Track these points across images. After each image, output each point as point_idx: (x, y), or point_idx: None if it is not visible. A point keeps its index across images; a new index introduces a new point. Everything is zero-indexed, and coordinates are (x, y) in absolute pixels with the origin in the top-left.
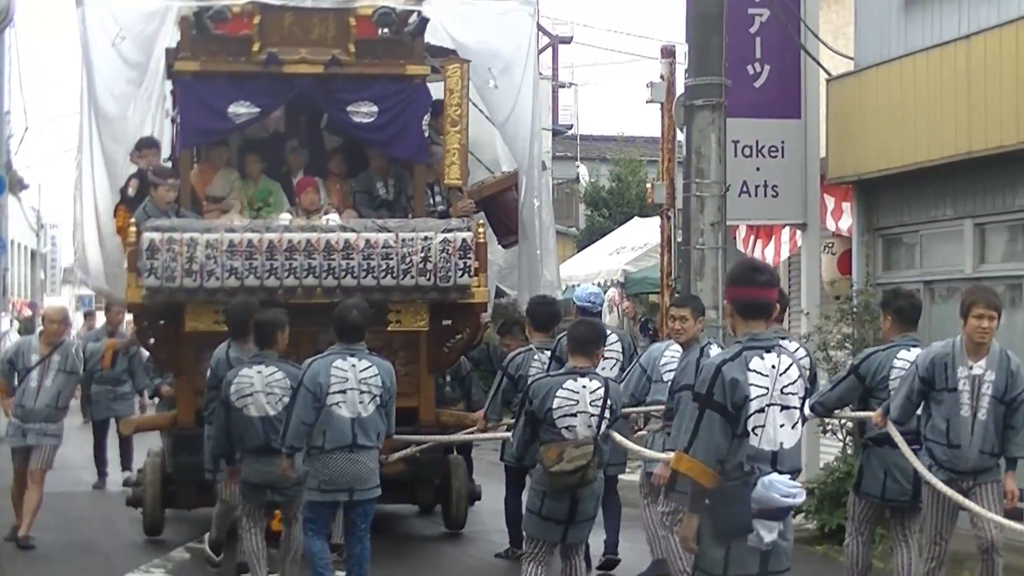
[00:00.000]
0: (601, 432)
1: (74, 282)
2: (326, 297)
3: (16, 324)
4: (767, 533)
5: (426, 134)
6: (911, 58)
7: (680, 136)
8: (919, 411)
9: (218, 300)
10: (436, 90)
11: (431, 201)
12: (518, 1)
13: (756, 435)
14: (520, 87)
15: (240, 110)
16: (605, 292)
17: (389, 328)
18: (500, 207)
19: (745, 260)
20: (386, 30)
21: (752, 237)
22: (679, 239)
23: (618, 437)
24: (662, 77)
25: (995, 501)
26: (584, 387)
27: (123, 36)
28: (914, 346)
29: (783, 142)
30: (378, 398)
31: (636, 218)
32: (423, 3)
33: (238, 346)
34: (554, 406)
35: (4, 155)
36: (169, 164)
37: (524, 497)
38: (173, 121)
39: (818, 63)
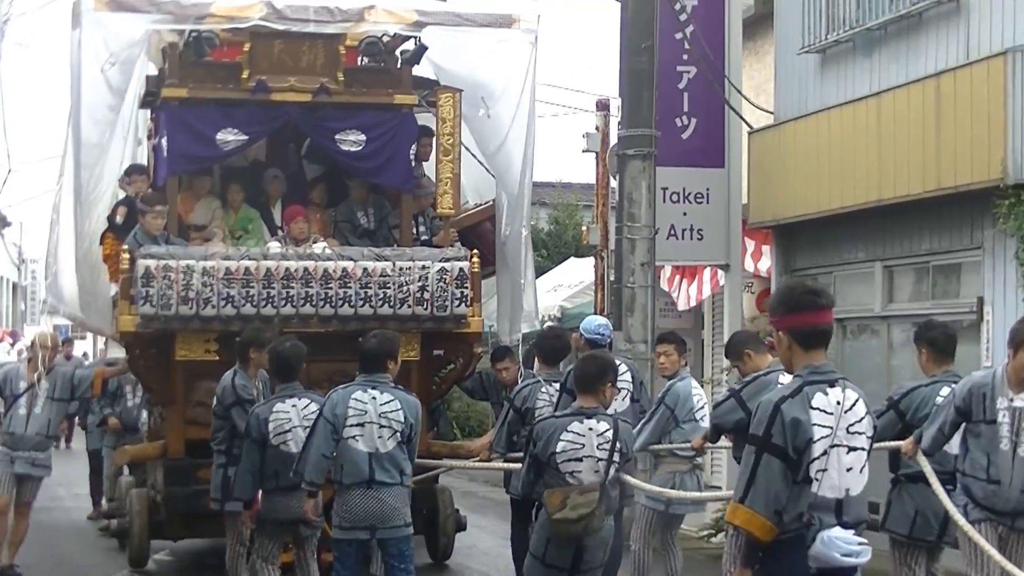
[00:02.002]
0: (609, 477)
1: (53, 312)
2: (322, 326)
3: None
4: None
5: (412, 163)
6: (826, 113)
7: (613, 183)
8: (955, 445)
9: (209, 329)
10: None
11: (416, 231)
12: (519, 29)
13: (818, 481)
14: (515, 116)
15: (228, 137)
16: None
17: None
18: (477, 238)
19: (796, 283)
20: (371, 60)
21: (677, 277)
22: (612, 278)
23: (630, 479)
24: (597, 128)
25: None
26: (591, 429)
27: (112, 62)
28: (955, 381)
29: (708, 189)
30: (399, 434)
31: (572, 258)
32: (422, 30)
33: (244, 373)
34: (558, 450)
35: None
36: (149, 191)
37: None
38: (154, 148)
39: (740, 117)
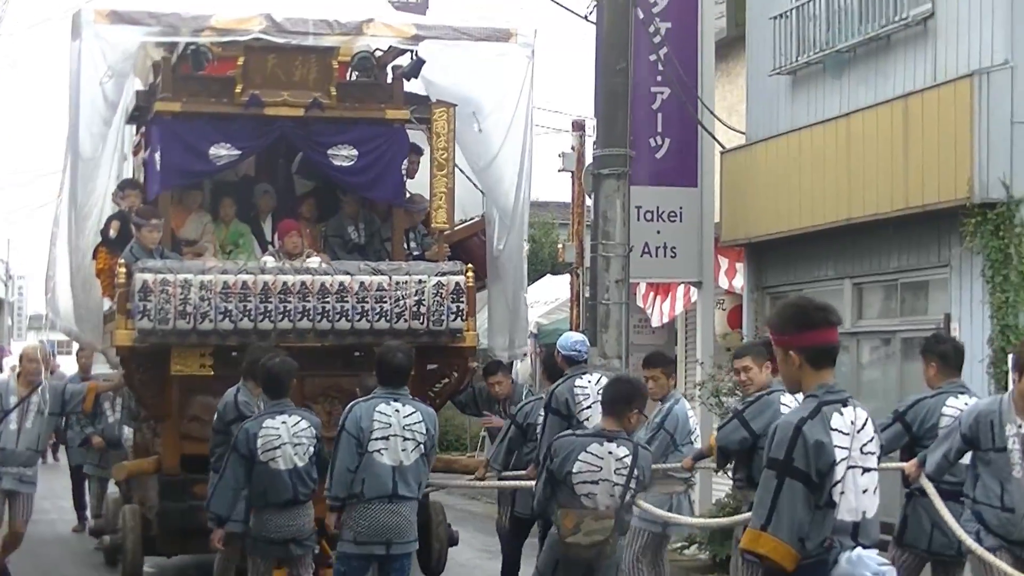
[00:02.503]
0: (625, 502)
1: (40, 328)
2: (319, 340)
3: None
4: None
5: (404, 178)
6: (796, 133)
7: (588, 202)
8: (964, 471)
9: (205, 344)
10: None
11: (407, 246)
12: (516, 43)
13: (837, 504)
14: (509, 130)
15: (221, 152)
16: None
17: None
18: (466, 252)
19: (802, 300)
20: (362, 75)
21: (652, 293)
22: (587, 295)
23: (645, 505)
24: (573, 148)
25: None
26: (610, 453)
27: (109, 75)
28: (962, 392)
29: (681, 208)
30: (422, 446)
31: (548, 275)
32: (419, 43)
33: (248, 389)
34: (575, 470)
35: None
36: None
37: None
38: (145, 163)
39: (713, 137)
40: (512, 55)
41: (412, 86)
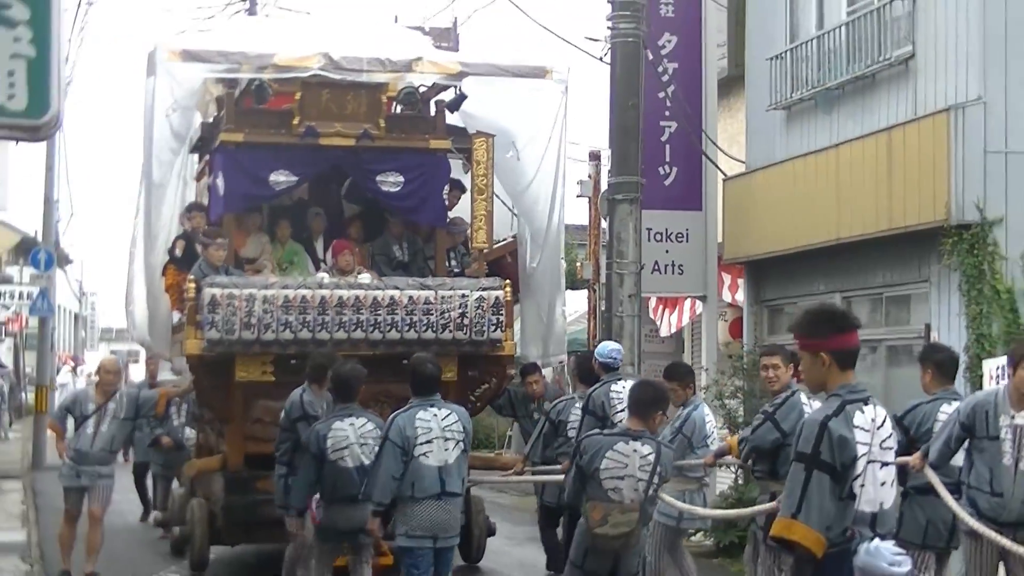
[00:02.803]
0: (648, 496)
1: (110, 339)
2: (371, 349)
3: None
4: None
5: (445, 202)
6: (791, 162)
7: (604, 224)
8: (961, 460)
9: (267, 352)
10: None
11: (448, 263)
12: (552, 79)
13: (857, 495)
14: (543, 159)
15: (280, 178)
16: None
17: None
18: (500, 269)
19: (828, 306)
20: (407, 108)
21: (661, 306)
22: (603, 308)
23: (667, 499)
24: (589, 176)
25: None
26: (635, 451)
27: (175, 108)
28: (955, 399)
29: (687, 229)
30: (461, 443)
31: (568, 290)
32: (462, 79)
33: (313, 391)
34: (602, 466)
35: (53, 236)
36: (207, 227)
37: (559, 532)
38: (209, 187)
39: (716, 165)
40: (547, 90)
41: (451, 118)
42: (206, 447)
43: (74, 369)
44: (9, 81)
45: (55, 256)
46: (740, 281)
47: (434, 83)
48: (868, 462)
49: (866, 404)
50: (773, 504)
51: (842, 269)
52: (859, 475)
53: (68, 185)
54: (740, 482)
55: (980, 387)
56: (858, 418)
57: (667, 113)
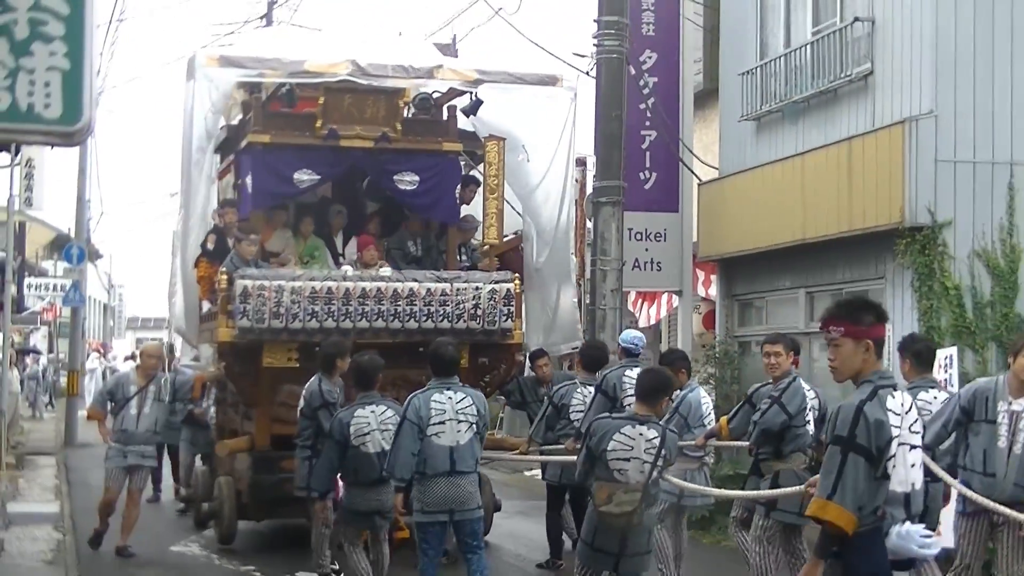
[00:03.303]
0: (652, 478)
1: (136, 328)
2: (391, 338)
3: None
4: None
5: (458, 201)
6: (760, 169)
7: (589, 225)
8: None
9: (293, 340)
10: None
11: (460, 258)
12: (562, 87)
13: (889, 477)
14: (552, 161)
15: (303, 177)
16: None
17: None
18: (505, 264)
19: (865, 297)
20: (422, 113)
21: (640, 300)
22: (588, 301)
23: (673, 479)
24: (576, 180)
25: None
26: (641, 435)
27: (212, 111)
28: (932, 387)
29: (665, 230)
30: (474, 426)
31: None
32: (479, 86)
33: (328, 380)
34: (609, 448)
35: (85, 233)
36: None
37: (565, 513)
38: (236, 186)
39: (692, 171)
40: (558, 97)
41: (463, 123)
42: (228, 428)
43: (103, 355)
44: (45, 91)
45: (86, 251)
46: (713, 277)
47: (449, 89)
48: (899, 444)
49: (895, 390)
50: (775, 492)
51: (806, 266)
52: (892, 456)
53: (99, 186)
54: (713, 461)
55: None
56: (890, 402)
57: (647, 123)
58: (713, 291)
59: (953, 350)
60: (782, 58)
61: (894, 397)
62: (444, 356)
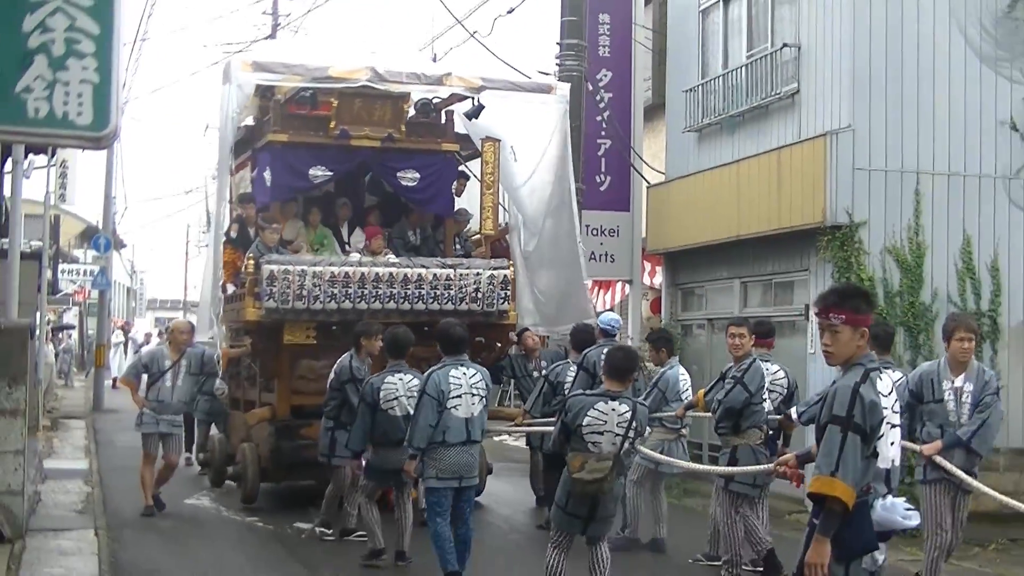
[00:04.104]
0: (624, 449)
1: (155, 308)
2: (400, 318)
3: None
4: (880, 554)
5: (454, 195)
6: (701, 174)
7: None
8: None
9: (311, 320)
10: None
11: (455, 247)
12: (555, 95)
13: (879, 454)
14: (541, 160)
15: (317, 172)
16: None
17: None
18: (495, 252)
19: (858, 285)
20: (422, 116)
21: (597, 288)
22: None
23: (644, 450)
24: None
25: (966, 509)
26: (613, 410)
27: (238, 111)
28: (888, 367)
29: (618, 226)
30: (484, 399)
31: None
32: (482, 92)
33: (358, 356)
34: (584, 423)
35: (111, 225)
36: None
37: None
38: (253, 181)
39: (642, 175)
40: (551, 104)
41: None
42: (242, 400)
43: (125, 332)
44: (78, 101)
45: (112, 241)
46: (659, 268)
47: (451, 95)
48: (886, 423)
49: (882, 372)
50: (748, 469)
51: (740, 260)
52: (882, 435)
53: (123, 184)
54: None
55: None
56: (880, 384)
57: (603, 133)
58: (659, 280)
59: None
60: (721, 78)
61: (881, 379)
62: (454, 335)
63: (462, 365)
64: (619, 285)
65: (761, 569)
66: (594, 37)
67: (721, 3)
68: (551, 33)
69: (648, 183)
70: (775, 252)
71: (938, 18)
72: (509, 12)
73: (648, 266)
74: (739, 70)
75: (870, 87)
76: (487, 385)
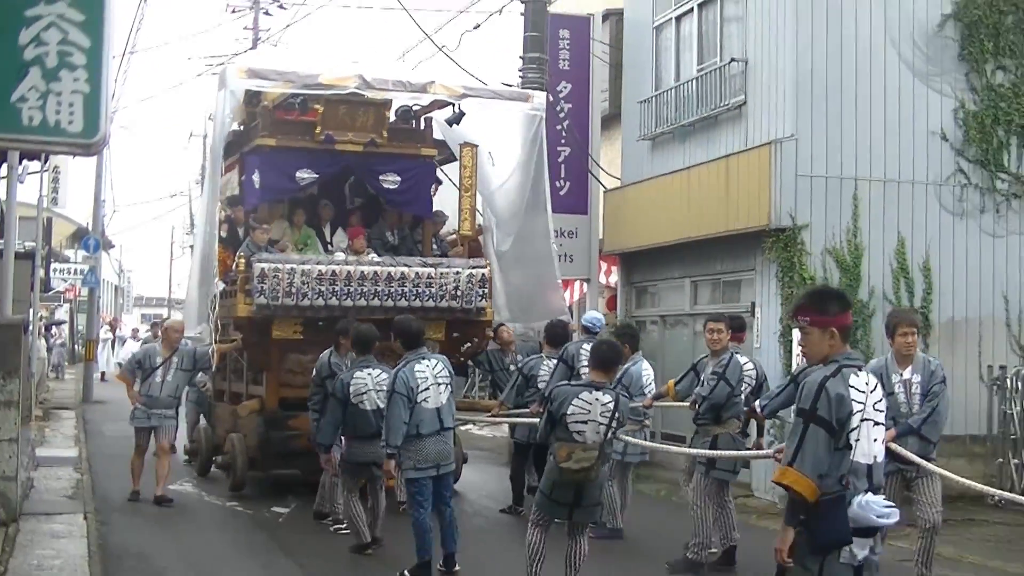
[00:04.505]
0: (607, 438)
1: (142, 305)
2: (384, 314)
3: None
4: (859, 550)
5: (432, 198)
6: (655, 180)
7: None
8: None
9: (299, 316)
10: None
11: (433, 247)
12: (532, 103)
13: (853, 448)
14: (517, 165)
15: (304, 175)
16: None
17: None
18: (470, 251)
19: (831, 288)
20: (403, 122)
21: None
22: None
23: (629, 439)
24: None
25: (934, 489)
26: (597, 399)
27: (230, 116)
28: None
29: (577, 228)
30: (449, 386)
31: None
32: (463, 99)
33: (337, 353)
34: (569, 412)
35: (100, 226)
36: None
37: (527, 467)
38: (242, 183)
39: (599, 181)
40: (528, 112)
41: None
42: (227, 392)
43: (113, 328)
44: (70, 111)
45: (101, 242)
46: (615, 268)
47: (432, 102)
48: (863, 419)
49: (860, 370)
50: (739, 454)
51: (691, 260)
52: (855, 429)
53: (112, 189)
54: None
55: (790, 349)
56: (853, 379)
57: (563, 140)
58: (615, 279)
59: None
60: (673, 90)
61: (858, 376)
62: (412, 330)
63: (424, 358)
64: (577, 284)
65: (717, 552)
66: (555, 51)
67: (673, 20)
68: (514, 47)
69: (605, 188)
70: (723, 253)
71: (875, 36)
72: (475, 28)
73: (604, 266)
74: (690, 83)
75: (812, 99)
76: (450, 372)
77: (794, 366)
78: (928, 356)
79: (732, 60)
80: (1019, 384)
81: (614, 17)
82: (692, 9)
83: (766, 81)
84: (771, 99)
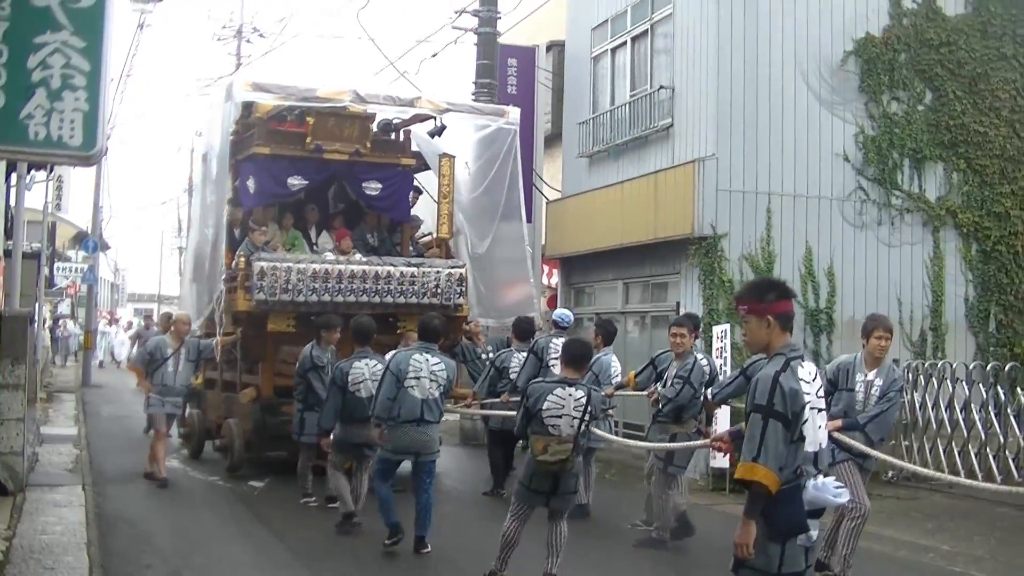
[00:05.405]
0: (581, 431)
1: (136, 301)
2: (371, 310)
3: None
4: (813, 531)
5: (410, 204)
6: (592, 192)
7: None
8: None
9: (293, 310)
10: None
11: (411, 249)
12: (507, 118)
13: (806, 440)
14: (492, 175)
15: (295, 181)
16: None
17: (398, 331)
18: (446, 252)
19: (770, 277)
20: (383, 134)
21: None
22: None
23: (598, 431)
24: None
25: (865, 479)
26: (570, 395)
27: (231, 126)
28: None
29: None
30: (443, 386)
31: None
32: (445, 113)
33: (319, 347)
34: (544, 407)
35: (98, 230)
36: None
37: (501, 452)
38: (236, 188)
39: (542, 193)
40: (501, 129)
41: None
42: (218, 381)
43: (110, 321)
44: (71, 126)
45: (99, 243)
46: (555, 271)
47: (412, 116)
48: (810, 408)
49: (804, 360)
50: (686, 445)
51: (624, 264)
52: (806, 420)
53: (109, 196)
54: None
55: (711, 344)
56: (800, 371)
57: None
58: (555, 280)
59: (727, 326)
60: (608, 113)
61: (803, 367)
62: (429, 326)
63: (428, 352)
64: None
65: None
66: (503, 77)
67: (609, 52)
68: (468, 74)
69: (547, 199)
70: (652, 258)
71: (786, 68)
72: (433, 56)
73: (547, 269)
74: (623, 107)
75: (731, 123)
76: (449, 376)
77: (716, 361)
78: (894, 365)
79: (661, 87)
80: (910, 375)
81: (557, 48)
82: (626, 42)
83: (691, 106)
84: (695, 122)
